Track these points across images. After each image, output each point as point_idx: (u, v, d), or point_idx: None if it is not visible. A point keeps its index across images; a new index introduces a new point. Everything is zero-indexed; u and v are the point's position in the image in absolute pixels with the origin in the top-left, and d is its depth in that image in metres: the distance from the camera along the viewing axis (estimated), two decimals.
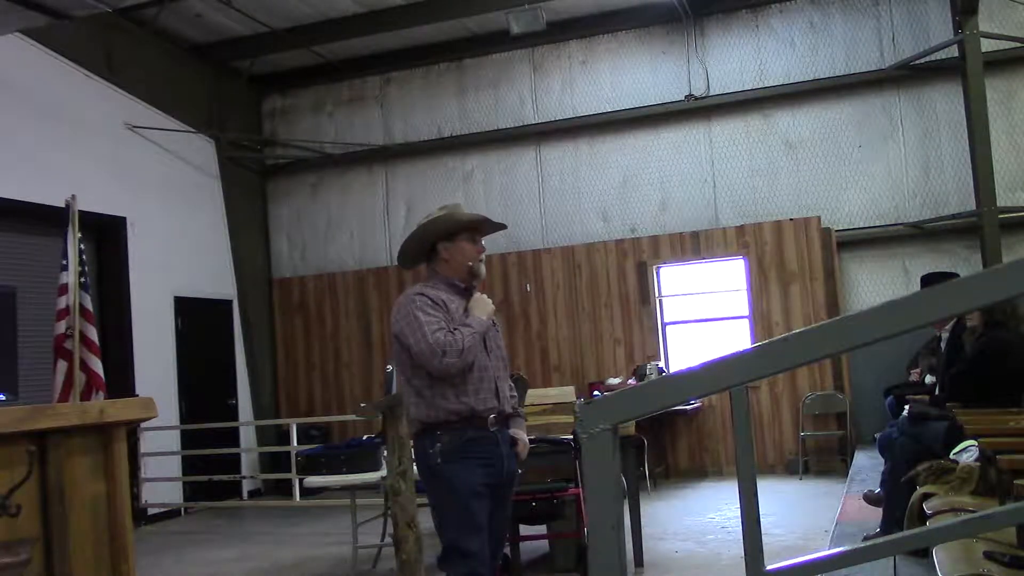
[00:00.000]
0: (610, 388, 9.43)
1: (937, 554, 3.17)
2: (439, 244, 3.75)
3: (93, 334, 6.60)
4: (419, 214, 10.30)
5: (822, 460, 9.56)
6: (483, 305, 3.73)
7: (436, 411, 3.57)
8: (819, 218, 9.72)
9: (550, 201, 10.83)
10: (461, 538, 3.52)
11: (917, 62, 9.45)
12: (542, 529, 5.87)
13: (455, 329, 3.55)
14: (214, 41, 10.76)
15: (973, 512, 3.15)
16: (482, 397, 3.61)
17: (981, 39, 8.85)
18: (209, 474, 9.83)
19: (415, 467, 3.91)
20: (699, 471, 9.87)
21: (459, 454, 3.56)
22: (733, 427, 1.46)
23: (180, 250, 10.27)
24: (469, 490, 3.54)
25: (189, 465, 9.95)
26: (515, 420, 3.85)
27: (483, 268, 3.80)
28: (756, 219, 9.95)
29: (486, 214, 4.08)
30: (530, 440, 4.11)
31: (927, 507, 3.93)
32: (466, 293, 3.77)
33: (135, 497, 8.98)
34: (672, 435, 9.98)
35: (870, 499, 5.92)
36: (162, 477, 9.60)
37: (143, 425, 8.05)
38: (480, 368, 3.63)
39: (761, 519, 1.42)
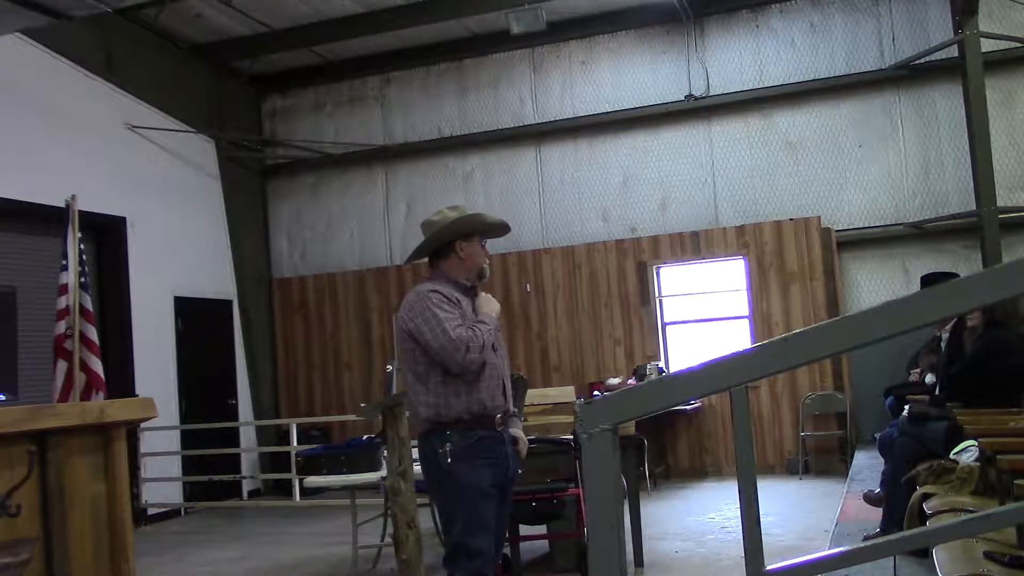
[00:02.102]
0: (610, 388, 9.43)
1: (937, 554, 3.17)
2: (458, 242, 3.76)
3: (93, 334, 6.60)
4: (419, 214, 10.31)
5: (822, 460, 9.55)
6: (491, 304, 3.80)
7: (450, 409, 3.58)
8: (819, 218, 9.72)
9: (550, 201, 10.82)
10: (469, 538, 3.53)
11: (917, 62, 9.44)
12: (542, 529, 5.86)
13: (472, 326, 3.59)
14: (214, 41, 10.76)
15: (973, 512, 3.15)
16: (493, 395, 3.64)
17: (981, 39, 8.84)
18: (209, 474, 9.82)
19: (417, 467, 3.91)
20: (699, 471, 9.87)
21: (469, 454, 3.57)
22: (733, 427, 1.46)
23: (180, 250, 10.27)
24: (479, 490, 3.55)
25: (189, 465, 9.94)
26: (513, 420, 3.87)
27: (487, 269, 3.89)
28: (756, 219, 9.95)
29: (486, 214, 4.12)
30: (530, 440, 4.12)
31: (927, 507, 3.93)
32: (470, 292, 3.79)
33: (135, 497, 8.98)
34: (672, 435, 9.98)
35: (870, 499, 5.92)
36: (162, 477, 9.60)
37: (143, 425, 8.05)
38: (490, 366, 3.65)
39: (761, 519, 1.42)
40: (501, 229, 3.96)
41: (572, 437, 5.26)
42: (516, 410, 3.96)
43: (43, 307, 7.43)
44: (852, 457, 8.77)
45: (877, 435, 6.45)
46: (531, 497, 5.17)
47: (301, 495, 9.41)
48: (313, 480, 6.74)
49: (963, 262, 9.18)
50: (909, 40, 9.60)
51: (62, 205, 6.67)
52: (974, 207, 9.08)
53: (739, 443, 1.43)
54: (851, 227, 9.71)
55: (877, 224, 9.65)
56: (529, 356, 10.52)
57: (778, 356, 1.39)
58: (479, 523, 3.53)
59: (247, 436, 11.02)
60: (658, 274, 10.30)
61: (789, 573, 1.40)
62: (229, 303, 11.09)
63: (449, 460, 3.57)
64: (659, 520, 7.50)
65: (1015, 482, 3.17)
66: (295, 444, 9.67)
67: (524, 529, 5.55)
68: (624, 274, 10.30)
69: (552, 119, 10.82)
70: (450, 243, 3.77)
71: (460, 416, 3.58)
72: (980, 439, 4.07)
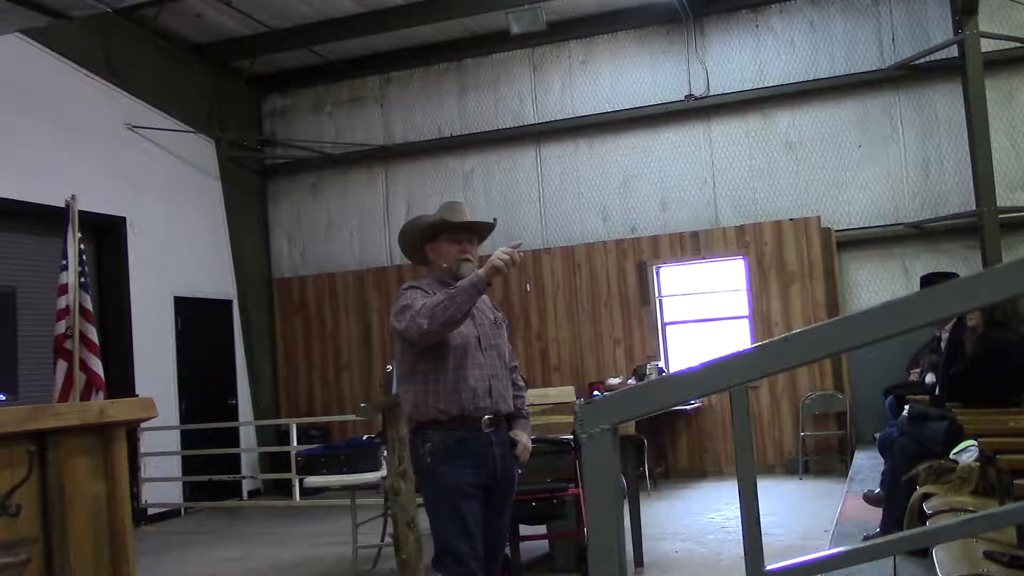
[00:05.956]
0: (610, 388, 9.43)
1: (937, 554, 3.17)
2: (425, 245, 3.78)
3: (93, 334, 6.59)
4: (419, 214, 10.29)
5: (822, 460, 9.56)
6: (468, 270, 3.62)
7: (426, 408, 3.55)
8: (819, 218, 9.72)
9: (550, 201, 10.83)
10: (451, 539, 3.48)
11: (917, 62, 9.44)
12: (542, 529, 5.86)
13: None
14: (214, 41, 10.76)
15: (973, 512, 3.16)
16: (472, 397, 3.55)
17: (981, 39, 8.85)
18: (209, 474, 9.83)
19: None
20: (699, 471, 9.87)
21: (448, 454, 3.52)
22: (733, 427, 1.46)
23: (180, 250, 10.27)
24: (457, 491, 3.49)
25: (189, 465, 9.95)
26: (518, 421, 3.79)
27: (467, 268, 3.68)
28: (756, 219, 9.95)
29: (486, 214, 4.10)
30: (530, 440, 4.08)
31: (927, 507, 3.93)
32: None
33: (135, 497, 8.98)
34: (672, 435, 9.98)
35: (870, 499, 5.91)
36: (162, 477, 9.60)
37: (143, 425, 8.05)
38: (472, 366, 3.57)
39: (761, 519, 1.42)
40: (462, 226, 3.75)
41: (572, 437, 5.26)
42: (524, 411, 3.89)
43: (43, 307, 7.43)
44: (852, 457, 8.77)
45: (877, 435, 6.45)
46: (531, 497, 5.17)
47: (301, 495, 9.42)
48: (313, 480, 6.74)
49: (963, 262, 9.18)
50: (909, 40, 9.60)
51: (62, 205, 6.67)
52: (974, 207, 9.08)
53: (739, 443, 1.43)
54: (851, 227, 9.71)
55: (877, 224, 9.65)
56: (529, 356, 10.52)
57: (778, 356, 1.39)
58: (460, 524, 3.48)
59: (247, 436, 11.02)
60: (658, 274, 10.30)
61: (789, 573, 1.40)
62: (229, 303, 11.09)
63: (429, 460, 3.54)
64: (659, 520, 7.50)
65: (1015, 482, 3.17)
66: (295, 444, 9.68)
67: (524, 529, 5.55)
68: (624, 274, 10.30)
69: (552, 119, 10.82)
70: (422, 247, 3.79)
71: (436, 416, 3.53)
72: (980, 439, 4.07)
